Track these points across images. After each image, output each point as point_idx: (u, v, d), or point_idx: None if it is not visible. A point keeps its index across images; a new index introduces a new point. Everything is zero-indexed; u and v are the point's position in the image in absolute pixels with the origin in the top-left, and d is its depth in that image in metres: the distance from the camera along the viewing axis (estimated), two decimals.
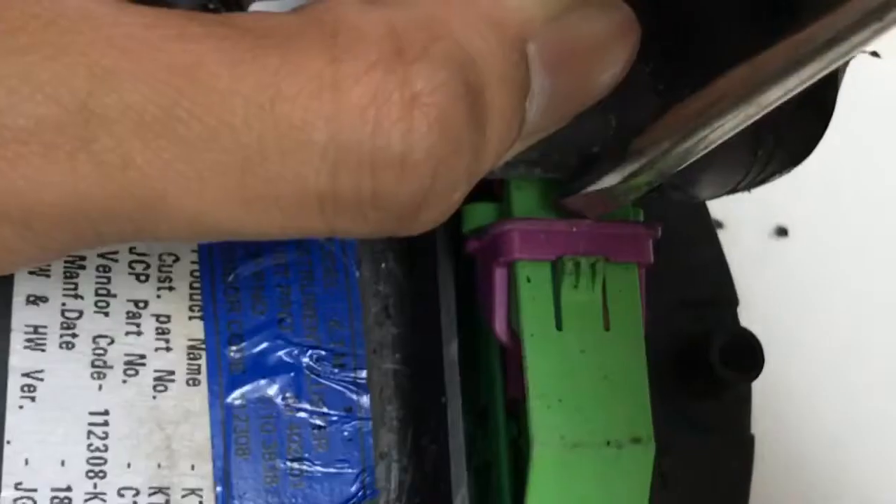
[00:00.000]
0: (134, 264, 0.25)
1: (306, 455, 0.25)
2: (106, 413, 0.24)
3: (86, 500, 0.23)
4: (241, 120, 0.17)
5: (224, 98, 0.17)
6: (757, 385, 0.28)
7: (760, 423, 0.29)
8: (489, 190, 0.24)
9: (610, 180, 0.21)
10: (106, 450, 0.24)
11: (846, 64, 0.20)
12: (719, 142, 0.20)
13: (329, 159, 0.17)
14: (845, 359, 0.40)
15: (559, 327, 0.23)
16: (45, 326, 0.24)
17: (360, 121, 0.17)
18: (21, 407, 0.23)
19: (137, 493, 0.24)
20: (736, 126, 0.19)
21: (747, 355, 0.28)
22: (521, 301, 0.23)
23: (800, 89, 0.18)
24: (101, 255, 0.25)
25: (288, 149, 0.17)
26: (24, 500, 0.23)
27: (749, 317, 0.30)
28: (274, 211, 0.18)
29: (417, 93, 0.17)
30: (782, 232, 0.42)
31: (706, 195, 0.24)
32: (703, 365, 0.28)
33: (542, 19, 0.19)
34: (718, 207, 0.30)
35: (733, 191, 0.24)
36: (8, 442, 0.23)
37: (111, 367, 0.24)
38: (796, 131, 0.22)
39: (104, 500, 0.23)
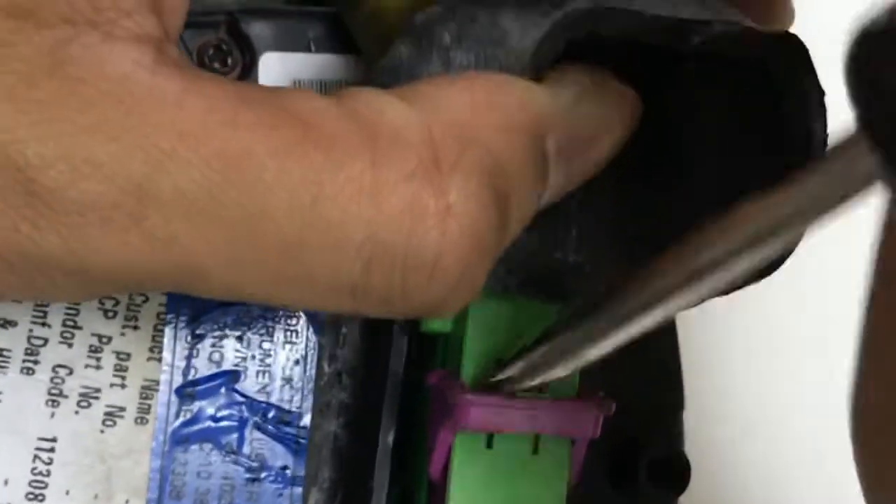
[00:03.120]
0: (104, 300, 0.26)
1: None
2: (54, 440, 0.25)
3: None
4: (283, 212, 0.18)
5: (269, 190, 0.18)
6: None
7: None
8: None
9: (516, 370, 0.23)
10: (48, 475, 0.25)
11: None
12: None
13: (364, 256, 0.19)
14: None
15: (489, 445, 0.24)
16: (9, 350, 0.25)
17: (396, 225, 0.18)
18: None
19: None
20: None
21: (676, 472, 0.29)
22: (455, 464, 0.24)
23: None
24: None
25: (325, 243, 0.18)
26: None
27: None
28: (306, 292, 0.19)
29: (451, 203, 0.19)
30: None
31: None
32: (632, 472, 0.29)
33: (560, 114, 0.21)
34: None
35: None
36: None
37: (66, 397, 0.25)
38: None
39: None
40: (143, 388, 0.26)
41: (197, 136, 0.18)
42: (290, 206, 0.18)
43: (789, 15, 0.25)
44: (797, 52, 0.22)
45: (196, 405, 0.26)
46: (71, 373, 0.25)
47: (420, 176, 0.19)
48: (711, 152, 0.25)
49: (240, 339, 0.27)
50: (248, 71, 0.27)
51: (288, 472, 0.27)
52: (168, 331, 0.26)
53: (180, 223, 0.18)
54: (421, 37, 0.21)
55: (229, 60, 0.27)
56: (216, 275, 0.18)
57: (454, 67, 0.21)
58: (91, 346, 0.26)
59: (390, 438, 0.26)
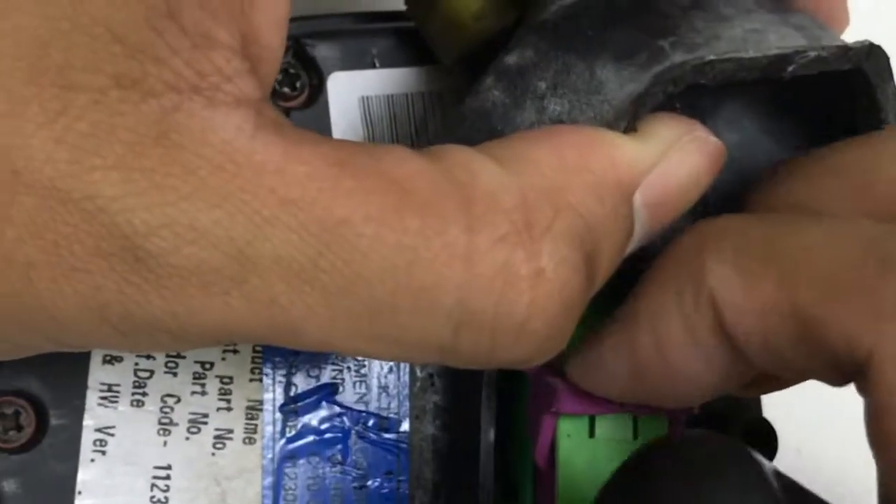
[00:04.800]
0: None
1: None
2: (169, 468, 0.26)
3: None
4: (378, 277, 0.18)
5: (365, 256, 0.18)
6: None
7: None
8: None
9: None
10: (167, 501, 0.26)
11: None
12: None
13: (454, 319, 0.19)
14: None
15: (591, 434, 0.24)
16: (118, 385, 0.26)
17: (487, 290, 0.19)
18: (93, 460, 0.25)
19: None
20: None
21: (762, 441, 0.29)
22: (560, 455, 0.24)
23: None
24: None
25: (417, 307, 0.19)
26: None
27: None
28: (396, 349, 0.20)
29: (542, 267, 0.19)
30: None
31: None
32: None
33: (649, 170, 0.21)
34: None
35: None
36: (79, 492, 0.25)
37: (176, 425, 0.26)
38: None
39: None
40: (248, 408, 0.27)
41: (297, 203, 0.18)
42: (385, 271, 0.18)
43: (847, 17, 0.25)
44: (885, 64, 0.22)
45: (300, 421, 0.27)
46: (179, 401, 0.26)
47: (512, 241, 0.19)
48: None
49: (335, 353, 0.27)
50: (316, 92, 0.28)
51: (392, 476, 0.27)
52: (267, 351, 0.27)
53: (279, 286, 0.18)
54: (515, 83, 0.21)
55: (298, 84, 0.27)
56: (310, 333, 0.19)
57: (547, 115, 0.21)
58: (195, 373, 0.26)
59: (491, 435, 0.27)
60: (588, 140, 0.20)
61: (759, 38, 0.21)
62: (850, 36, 0.23)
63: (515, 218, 0.19)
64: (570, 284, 0.19)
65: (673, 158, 0.21)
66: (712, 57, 0.20)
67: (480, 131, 0.21)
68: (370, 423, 0.28)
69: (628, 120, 0.21)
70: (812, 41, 0.22)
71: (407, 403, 0.28)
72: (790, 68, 0.21)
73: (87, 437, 0.25)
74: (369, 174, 0.19)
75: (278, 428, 0.27)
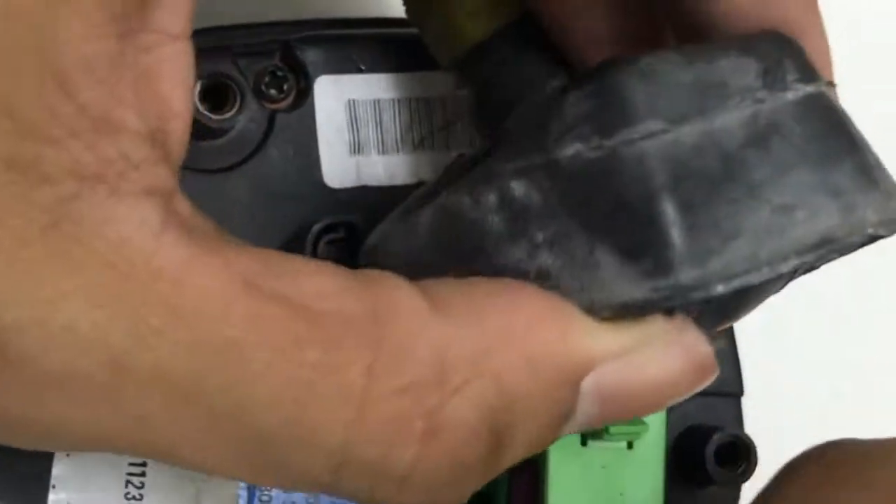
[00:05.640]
0: None
1: None
2: (143, 465, 0.26)
3: None
4: (264, 407, 0.17)
5: (254, 384, 0.17)
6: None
7: None
8: None
9: None
10: (141, 498, 0.26)
11: None
12: None
13: (335, 461, 0.18)
14: None
15: (583, 443, 0.24)
16: None
17: (374, 437, 0.18)
18: (67, 455, 0.25)
19: None
20: None
21: (742, 457, 0.29)
22: (551, 464, 0.24)
23: None
24: None
25: (300, 442, 0.17)
26: None
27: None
28: (274, 479, 0.18)
29: (437, 427, 0.18)
30: None
31: None
32: (697, 457, 0.30)
33: (608, 357, 0.19)
34: None
35: None
36: (53, 486, 0.25)
37: None
38: None
39: None
40: None
41: (188, 319, 0.17)
42: (273, 402, 0.17)
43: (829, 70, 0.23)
44: None
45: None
46: None
47: (414, 393, 0.18)
48: None
49: None
50: (303, 95, 0.28)
51: None
52: None
53: (155, 402, 0.17)
54: (516, 221, 0.19)
55: (285, 86, 0.28)
56: (186, 455, 0.18)
57: (536, 262, 0.19)
58: None
59: None
60: (548, 310, 0.19)
61: (783, 224, 0.19)
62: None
63: (424, 371, 0.18)
64: (466, 450, 0.18)
65: (644, 354, 0.19)
66: (720, 290, 0.18)
67: (471, 245, 0.20)
68: None
69: (613, 315, 0.19)
70: (845, 215, 0.20)
71: None
72: (798, 272, 0.20)
73: None
74: (278, 299, 0.17)
75: None
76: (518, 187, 0.19)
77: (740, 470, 0.29)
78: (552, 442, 0.20)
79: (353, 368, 0.17)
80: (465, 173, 0.21)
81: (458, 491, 0.19)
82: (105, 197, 0.16)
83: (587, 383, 0.19)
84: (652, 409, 0.20)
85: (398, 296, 0.18)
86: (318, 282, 0.18)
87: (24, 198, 0.16)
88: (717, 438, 0.29)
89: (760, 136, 0.19)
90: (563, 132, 0.19)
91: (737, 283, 0.18)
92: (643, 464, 0.25)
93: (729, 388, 0.31)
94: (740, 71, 0.19)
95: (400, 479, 0.18)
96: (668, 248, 0.18)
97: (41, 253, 0.16)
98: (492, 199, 0.20)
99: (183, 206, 0.18)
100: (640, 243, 0.18)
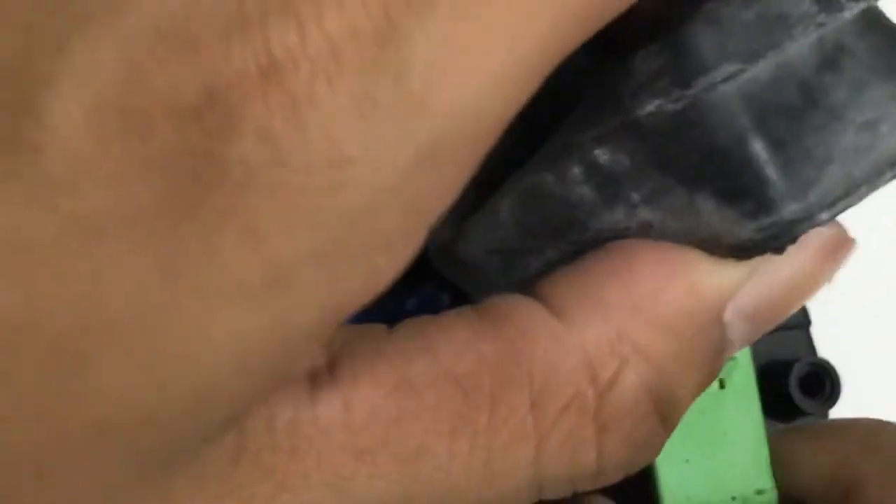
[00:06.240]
0: None
1: None
2: None
3: None
4: (462, 484, 0.18)
5: (448, 473, 0.18)
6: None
7: None
8: None
9: None
10: None
11: None
12: None
13: (535, 485, 0.19)
14: None
15: None
16: None
17: (558, 457, 0.18)
18: None
19: None
20: None
21: (825, 384, 0.29)
22: None
23: None
24: None
25: (500, 493, 0.18)
26: None
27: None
28: None
29: (607, 422, 0.19)
30: None
31: None
32: (780, 390, 0.30)
33: (741, 282, 0.19)
34: None
35: None
36: None
37: None
38: None
39: None
40: None
41: (370, 450, 0.17)
42: (468, 476, 0.18)
43: None
44: None
45: None
46: None
47: (576, 404, 0.18)
48: None
49: None
50: None
51: None
52: None
53: None
54: (607, 185, 0.19)
55: None
56: None
57: (637, 220, 0.19)
58: None
59: None
60: (666, 267, 0.19)
61: (871, 141, 0.19)
62: None
63: (577, 381, 0.18)
64: (640, 430, 0.19)
65: (776, 268, 0.20)
66: (824, 218, 0.19)
67: (563, 219, 0.20)
68: None
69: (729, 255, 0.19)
70: None
71: None
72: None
73: None
74: (428, 385, 0.18)
75: None
76: (602, 154, 0.19)
77: (826, 396, 0.29)
78: (716, 375, 0.20)
79: (519, 412, 0.18)
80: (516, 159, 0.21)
81: (648, 455, 0.20)
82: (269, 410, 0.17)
83: (729, 313, 0.19)
84: (802, 301, 0.20)
85: (528, 323, 0.19)
86: (454, 343, 0.18)
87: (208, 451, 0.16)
88: (797, 369, 0.29)
89: (830, 58, 0.19)
90: (636, 91, 0.19)
91: (840, 207, 0.19)
92: (739, 401, 0.25)
93: (796, 320, 0.32)
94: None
95: (591, 476, 0.19)
96: (767, 186, 0.18)
97: (236, 478, 0.17)
98: (576, 171, 0.19)
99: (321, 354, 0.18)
100: (738, 186, 0.18)
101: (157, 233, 0.14)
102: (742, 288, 0.19)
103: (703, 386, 0.20)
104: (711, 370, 0.20)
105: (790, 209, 0.18)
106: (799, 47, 0.19)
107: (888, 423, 0.24)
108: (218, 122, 0.14)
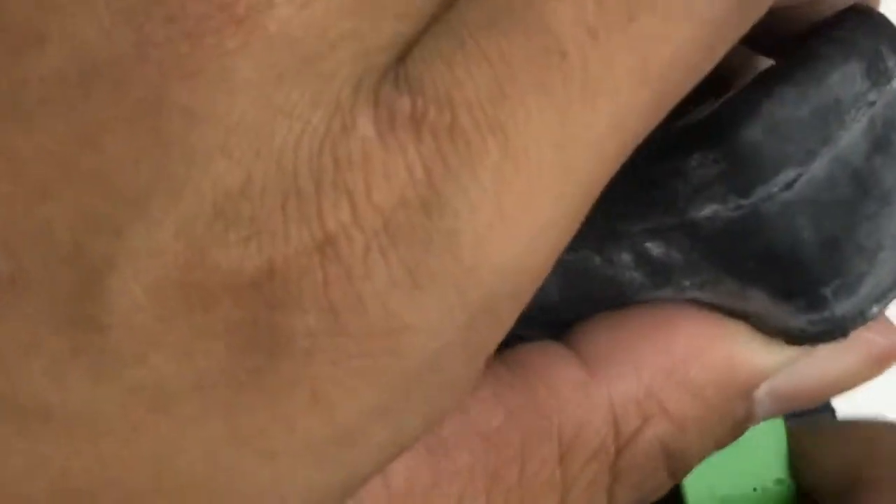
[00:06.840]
0: None
1: None
2: None
3: None
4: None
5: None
6: None
7: None
8: None
9: None
10: None
11: None
12: None
13: None
14: None
15: None
16: None
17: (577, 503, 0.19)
18: None
19: None
20: None
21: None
22: None
23: None
24: None
25: None
26: None
27: None
28: None
29: (621, 473, 0.19)
30: None
31: None
32: None
33: (782, 367, 0.20)
34: None
35: None
36: None
37: None
38: None
39: None
40: None
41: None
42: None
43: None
44: None
45: None
46: None
47: (599, 457, 0.19)
48: None
49: None
50: None
51: None
52: None
53: None
54: (658, 274, 0.20)
55: None
56: None
57: (685, 298, 0.20)
58: None
59: None
60: (707, 332, 0.19)
61: None
62: None
63: (604, 433, 0.19)
64: (648, 482, 0.20)
65: (818, 356, 0.20)
66: (874, 311, 0.19)
67: (608, 293, 0.20)
68: None
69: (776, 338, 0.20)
70: None
71: None
72: None
73: None
74: (460, 445, 0.18)
75: None
76: (655, 248, 0.19)
77: None
78: (732, 441, 0.21)
79: (548, 467, 0.19)
80: None
81: (653, 497, 0.20)
82: None
83: (763, 391, 0.20)
84: (836, 395, 0.21)
85: (557, 376, 0.19)
86: (485, 403, 0.19)
87: None
88: None
89: (880, 138, 0.19)
90: (692, 194, 0.19)
91: (890, 298, 0.19)
92: None
93: None
94: (848, 79, 0.19)
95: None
96: (820, 286, 0.19)
97: None
98: (625, 257, 0.20)
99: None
100: (792, 286, 0.19)
101: (224, 399, 0.14)
102: (774, 377, 0.20)
103: (717, 450, 0.20)
104: (730, 439, 0.20)
105: (842, 306, 0.19)
106: (851, 136, 0.19)
107: None
108: (279, 294, 0.14)
